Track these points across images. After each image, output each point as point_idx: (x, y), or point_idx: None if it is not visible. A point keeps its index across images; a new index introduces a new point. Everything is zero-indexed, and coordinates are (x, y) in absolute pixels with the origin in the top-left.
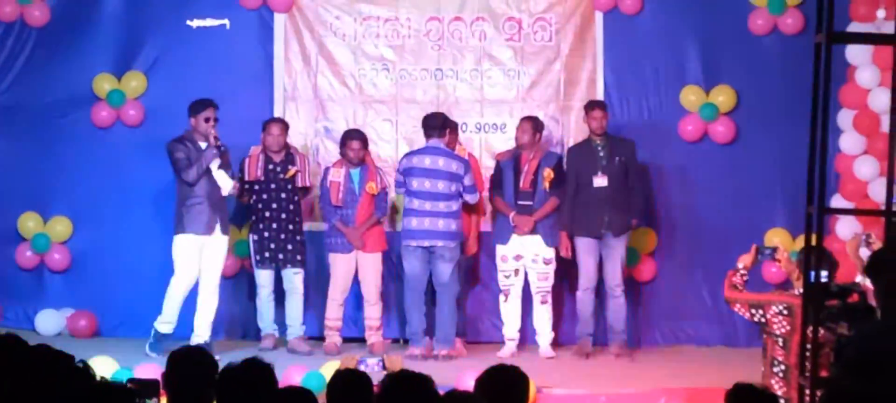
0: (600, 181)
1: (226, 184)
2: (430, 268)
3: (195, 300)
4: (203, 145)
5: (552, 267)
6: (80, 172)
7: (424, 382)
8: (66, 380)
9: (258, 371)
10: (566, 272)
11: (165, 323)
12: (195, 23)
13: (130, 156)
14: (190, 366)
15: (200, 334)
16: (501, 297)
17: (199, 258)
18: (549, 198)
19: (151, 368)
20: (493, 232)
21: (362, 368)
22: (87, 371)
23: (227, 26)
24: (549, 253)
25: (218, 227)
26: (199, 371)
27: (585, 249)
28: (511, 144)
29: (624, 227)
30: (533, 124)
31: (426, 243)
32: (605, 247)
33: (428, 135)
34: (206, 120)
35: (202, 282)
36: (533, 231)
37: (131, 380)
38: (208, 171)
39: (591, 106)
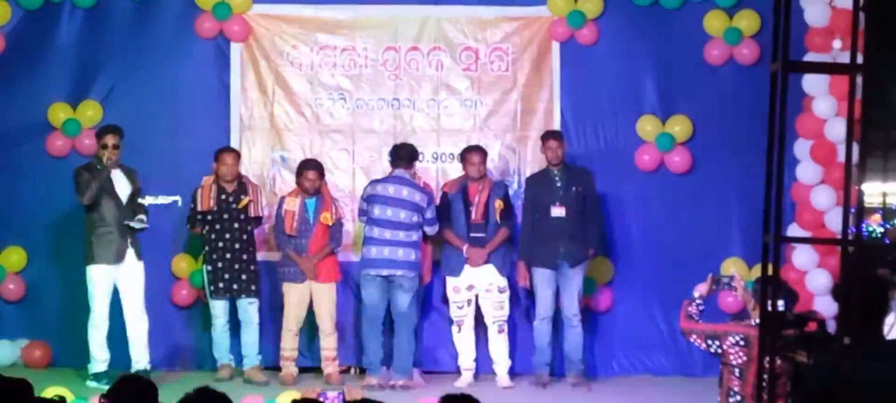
0: (558, 211)
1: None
2: (389, 298)
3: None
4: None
5: (507, 296)
6: (34, 202)
7: None
8: None
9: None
10: (520, 301)
11: (99, 362)
12: (148, 200)
13: None
14: (131, 394)
15: (139, 361)
16: (454, 328)
17: (111, 288)
18: (500, 228)
19: None
20: (442, 263)
21: (323, 401)
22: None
23: (179, 203)
24: (503, 281)
25: (130, 253)
26: (140, 397)
27: (542, 279)
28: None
29: (580, 258)
30: (484, 156)
31: (385, 272)
32: (562, 277)
33: (394, 165)
34: (104, 146)
35: (126, 310)
36: (486, 261)
37: (104, 396)
38: (115, 198)
39: (546, 136)
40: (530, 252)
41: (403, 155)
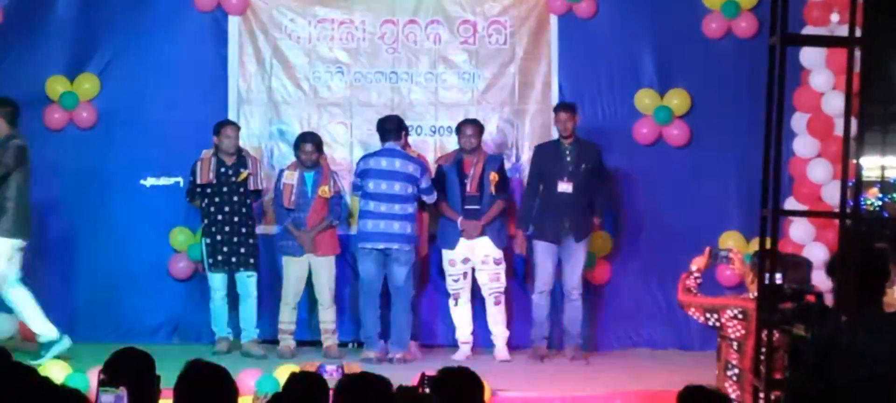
0: (565, 186)
1: None
2: (386, 271)
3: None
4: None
5: (503, 268)
6: (31, 174)
7: (382, 383)
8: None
9: (215, 374)
10: (517, 274)
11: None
12: (149, 182)
13: (82, 159)
14: (126, 367)
15: (38, 335)
16: (451, 301)
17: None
18: (495, 201)
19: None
20: (437, 237)
21: (322, 374)
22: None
23: (181, 184)
24: (499, 253)
25: None
26: (136, 370)
27: (544, 253)
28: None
29: (585, 232)
30: (479, 128)
31: (382, 245)
32: (566, 251)
33: (384, 138)
34: None
35: None
36: (481, 233)
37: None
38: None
39: (557, 108)
40: (534, 225)
41: (390, 127)
